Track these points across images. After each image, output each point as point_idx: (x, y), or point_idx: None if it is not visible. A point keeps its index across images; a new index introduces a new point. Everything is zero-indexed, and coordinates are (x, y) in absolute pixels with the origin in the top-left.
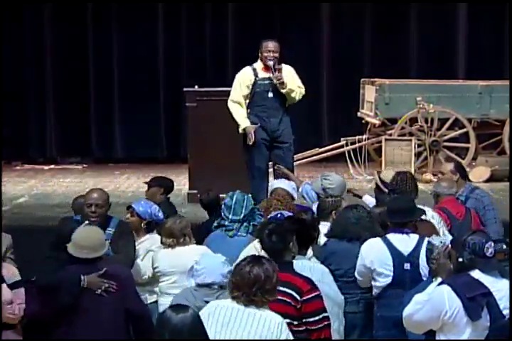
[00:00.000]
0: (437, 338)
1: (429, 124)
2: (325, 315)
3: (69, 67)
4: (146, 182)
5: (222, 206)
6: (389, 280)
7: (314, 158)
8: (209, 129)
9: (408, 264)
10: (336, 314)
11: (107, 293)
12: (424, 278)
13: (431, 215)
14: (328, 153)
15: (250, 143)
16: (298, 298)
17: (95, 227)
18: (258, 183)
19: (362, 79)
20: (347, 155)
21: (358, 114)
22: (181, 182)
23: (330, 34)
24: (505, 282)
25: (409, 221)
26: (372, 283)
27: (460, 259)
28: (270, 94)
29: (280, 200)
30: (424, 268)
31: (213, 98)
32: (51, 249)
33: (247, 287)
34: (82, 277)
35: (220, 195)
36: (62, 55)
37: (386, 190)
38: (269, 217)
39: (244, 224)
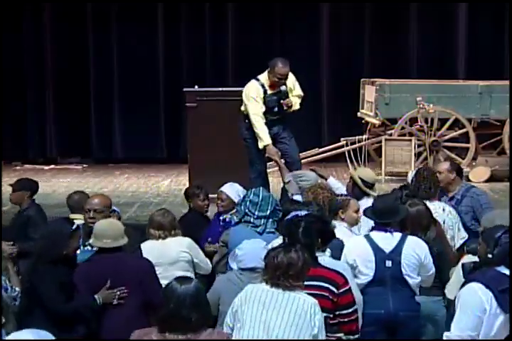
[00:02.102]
0: None
1: (429, 124)
2: (355, 307)
3: (69, 67)
4: (10, 185)
5: (247, 203)
6: (370, 277)
7: (314, 158)
8: (209, 129)
9: (390, 262)
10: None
11: (124, 299)
12: (406, 277)
13: (448, 211)
14: (328, 153)
15: (277, 159)
16: (335, 291)
17: (114, 219)
18: (262, 184)
19: (362, 79)
20: (347, 155)
21: (358, 114)
22: (181, 182)
23: (330, 34)
24: None
25: (393, 221)
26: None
27: (490, 255)
28: (275, 109)
29: (322, 187)
30: (406, 266)
31: (213, 98)
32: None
33: (271, 271)
34: (96, 297)
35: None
36: (62, 55)
37: (366, 189)
38: (291, 215)
39: (270, 220)
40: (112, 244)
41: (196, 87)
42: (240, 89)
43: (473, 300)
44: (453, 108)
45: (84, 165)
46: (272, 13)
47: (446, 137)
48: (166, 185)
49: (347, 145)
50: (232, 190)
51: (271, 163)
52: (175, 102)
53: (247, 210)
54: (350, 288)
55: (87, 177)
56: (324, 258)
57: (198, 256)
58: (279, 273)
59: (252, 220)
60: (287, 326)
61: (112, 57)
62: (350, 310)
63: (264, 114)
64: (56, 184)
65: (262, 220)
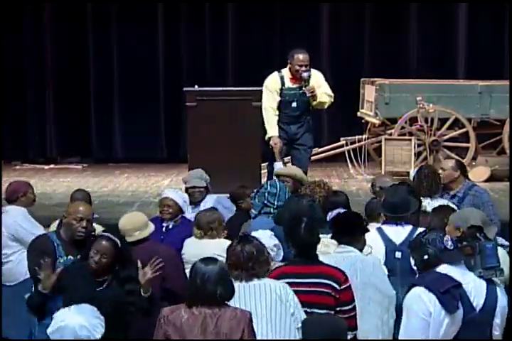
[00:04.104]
0: None
1: (429, 124)
2: (354, 304)
3: (69, 67)
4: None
5: (265, 194)
6: None
7: (314, 157)
8: (209, 129)
9: (400, 253)
10: (386, 307)
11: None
12: (414, 267)
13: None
14: (328, 153)
15: (276, 151)
16: (337, 287)
17: (136, 212)
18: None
19: (362, 79)
20: (347, 155)
21: (358, 113)
22: (181, 182)
23: (330, 34)
24: (472, 275)
25: (403, 215)
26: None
27: (425, 257)
28: (294, 104)
29: (320, 185)
30: None
31: (213, 98)
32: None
33: (245, 264)
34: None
35: (220, 195)
36: (62, 55)
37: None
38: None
39: None
40: (141, 235)
41: (196, 86)
42: (239, 89)
43: (417, 305)
44: (453, 108)
45: (84, 165)
46: (272, 13)
47: (446, 137)
48: (166, 185)
49: (347, 144)
50: (178, 196)
51: (288, 157)
52: (175, 102)
53: (265, 201)
54: (350, 285)
55: (87, 177)
56: (355, 254)
57: None
58: (251, 263)
59: (272, 211)
60: (268, 314)
61: (112, 57)
62: (350, 307)
63: (283, 109)
64: (56, 184)
65: None
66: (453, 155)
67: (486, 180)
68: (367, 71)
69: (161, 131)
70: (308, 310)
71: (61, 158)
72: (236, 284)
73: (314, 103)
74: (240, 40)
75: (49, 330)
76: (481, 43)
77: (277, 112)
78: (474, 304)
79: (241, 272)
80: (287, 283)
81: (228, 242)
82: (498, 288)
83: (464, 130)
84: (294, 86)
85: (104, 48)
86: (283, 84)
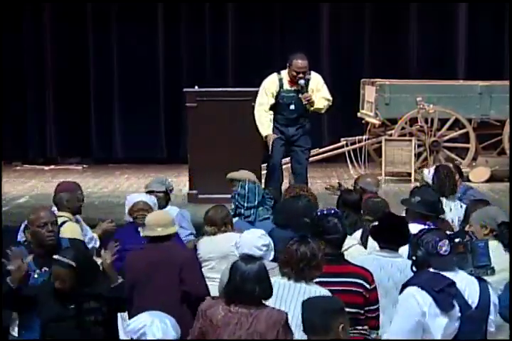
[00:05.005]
0: None
1: (429, 124)
2: (378, 305)
3: (69, 67)
4: None
5: (236, 196)
6: None
7: (314, 158)
8: (209, 129)
9: None
10: None
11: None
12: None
13: (464, 207)
14: (329, 154)
15: (270, 149)
16: (368, 286)
17: (163, 210)
18: (270, 174)
19: (362, 80)
20: (347, 155)
21: (358, 114)
22: (181, 182)
23: (330, 34)
24: (463, 273)
25: (438, 214)
26: None
27: (413, 258)
28: (292, 106)
29: (303, 189)
30: None
31: (213, 98)
32: None
33: (295, 264)
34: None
35: (220, 196)
36: (62, 55)
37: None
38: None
39: (260, 208)
40: (164, 232)
41: (196, 87)
42: (239, 89)
43: (409, 304)
44: (453, 108)
45: (85, 166)
46: (272, 13)
47: (447, 137)
48: None
49: (347, 145)
50: (149, 199)
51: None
52: (175, 102)
53: (237, 203)
54: (376, 285)
55: (88, 178)
56: (403, 260)
57: None
58: (302, 265)
59: (242, 212)
60: (300, 319)
61: (112, 57)
62: (376, 307)
63: (281, 111)
64: (56, 184)
65: (252, 210)
66: (453, 155)
67: (486, 181)
68: (367, 71)
69: (161, 131)
70: None
71: (61, 158)
72: (282, 281)
73: (312, 109)
74: (240, 40)
75: (128, 320)
76: (481, 43)
77: (269, 112)
78: (469, 301)
79: (291, 271)
80: (320, 282)
81: (238, 235)
82: (488, 285)
83: (464, 130)
84: (292, 88)
85: (104, 48)
86: (281, 86)
